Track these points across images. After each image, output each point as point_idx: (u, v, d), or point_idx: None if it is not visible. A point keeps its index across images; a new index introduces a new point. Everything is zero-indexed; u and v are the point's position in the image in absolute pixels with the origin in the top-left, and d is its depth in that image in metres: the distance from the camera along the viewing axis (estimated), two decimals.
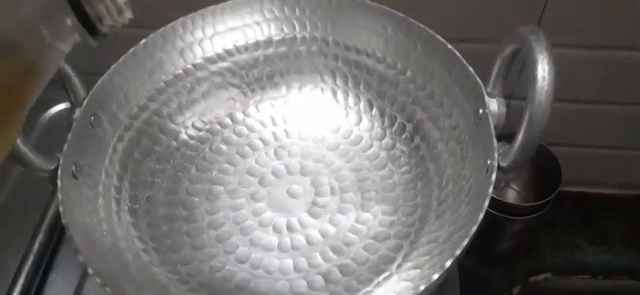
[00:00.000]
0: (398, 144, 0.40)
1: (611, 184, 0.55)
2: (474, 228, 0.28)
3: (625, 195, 0.56)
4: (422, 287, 0.26)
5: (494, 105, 0.33)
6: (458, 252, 0.27)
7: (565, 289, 0.56)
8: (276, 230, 0.37)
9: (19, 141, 0.29)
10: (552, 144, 0.49)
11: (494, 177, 0.29)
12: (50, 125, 0.48)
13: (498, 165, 0.30)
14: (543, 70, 0.26)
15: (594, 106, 0.50)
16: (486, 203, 0.29)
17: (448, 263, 0.27)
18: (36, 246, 0.39)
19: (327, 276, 0.35)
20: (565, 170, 0.49)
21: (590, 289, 0.56)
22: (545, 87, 0.26)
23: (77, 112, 0.34)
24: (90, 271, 0.28)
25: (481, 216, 0.28)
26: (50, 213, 0.41)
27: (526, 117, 0.27)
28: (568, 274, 0.55)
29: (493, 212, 0.48)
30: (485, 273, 0.52)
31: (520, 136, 0.28)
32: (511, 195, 0.53)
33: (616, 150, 0.54)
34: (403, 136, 0.40)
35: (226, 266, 0.35)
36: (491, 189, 0.29)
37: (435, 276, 0.27)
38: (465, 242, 0.27)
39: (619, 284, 0.56)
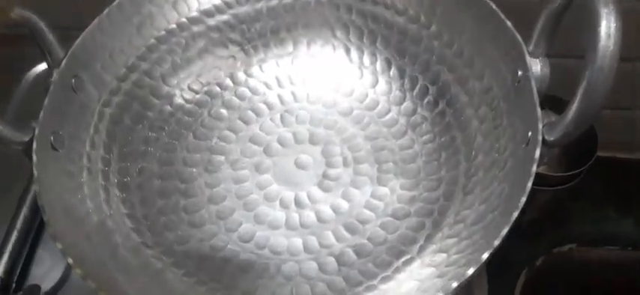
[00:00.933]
0: (420, 110, 0.36)
1: None
2: (515, 214, 0.24)
3: None
4: (454, 284, 0.23)
5: (536, 66, 0.29)
6: (496, 243, 0.24)
7: (589, 260, 0.53)
8: (284, 205, 0.34)
9: None
10: None
11: (538, 152, 0.25)
12: (34, 88, 0.44)
13: (543, 139, 0.26)
14: (608, 27, 0.22)
15: (634, 64, 0.46)
16: (529, 184, 0.25)
17: (484, 256, 0.23)
18: (20, 221, 0.37)
19: (340, 258, 0.32)
20: (599, 132, 0.45)
21: (616, 260, 0.53)
22: (611, 48, 0.22)
23: (55, 74, 0.31)
24: (69, 261, 0.24)
25: (523, 199, 0.25)
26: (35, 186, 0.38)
27: (584, 84, 0.23)
28: (595, 245, 0.52)
29: None
30: (508, 244, 0.49)
31: (575, 106, 0.23)
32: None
33: None
34: (426, 100, 0.36)
35: (228, 246, 0.33)
36: (534, 167, 0.25)
37: (470, 271, 0.23)
38: (505, 231, 0.24)
39: None
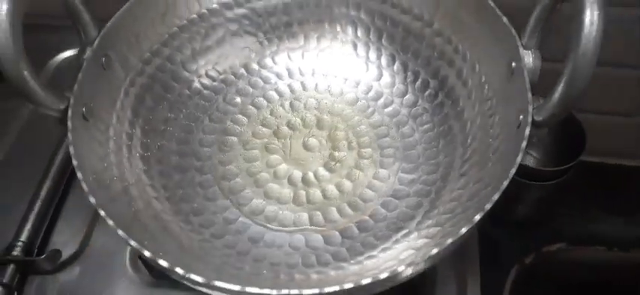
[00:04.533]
0: (420, 101, 0.39)
1: (635, 155, 0.53)
2: (505, 183, 0.26)
3: None
4: (449, 240, 0.25)
5: (529, 58, 0.31)
6: (487, 206, 0.26)
7: (578, 259, 0.54)
8: (291, 183, 0.36)
9: (28, 75, 0.28)
10: (576, 110, 0.47)
11: (528, 131, 0.28)
12: (58, 72, 0.46)
13: (532, 120, 0.28)
14: (592, 14, 0.24)
15: (624, 70, 0.48)
16: (519, 158, 0.27)
17: (477, 217, 0.26)
18: (44, 192, 0.38)
19: (344, 232, 0.34)
20: (588, 138, 0.47)
21: (604, 260, 0.54)
22: (593, 35, 0.24)
23: (88, 51, 0.33)
24: (102, 213, 0.26)
25: (513, 170, 0.27)
26: (59, 158, 0.40)
27: (569, 67, 0.25)
28: (583, 244, 0.54)
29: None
30: (499, 238, 0.51)
31: (560, 88, 0.26)
32: (529, 161, 0.51)
33: None
34: (427, 93, 0.38)
35: (240, 219, 0.35)
36: (524, 144, 0.27)
37: (463, 230, 0.25)
38: (496, 196, 0.26)
39: (634, 256, 0.54)
